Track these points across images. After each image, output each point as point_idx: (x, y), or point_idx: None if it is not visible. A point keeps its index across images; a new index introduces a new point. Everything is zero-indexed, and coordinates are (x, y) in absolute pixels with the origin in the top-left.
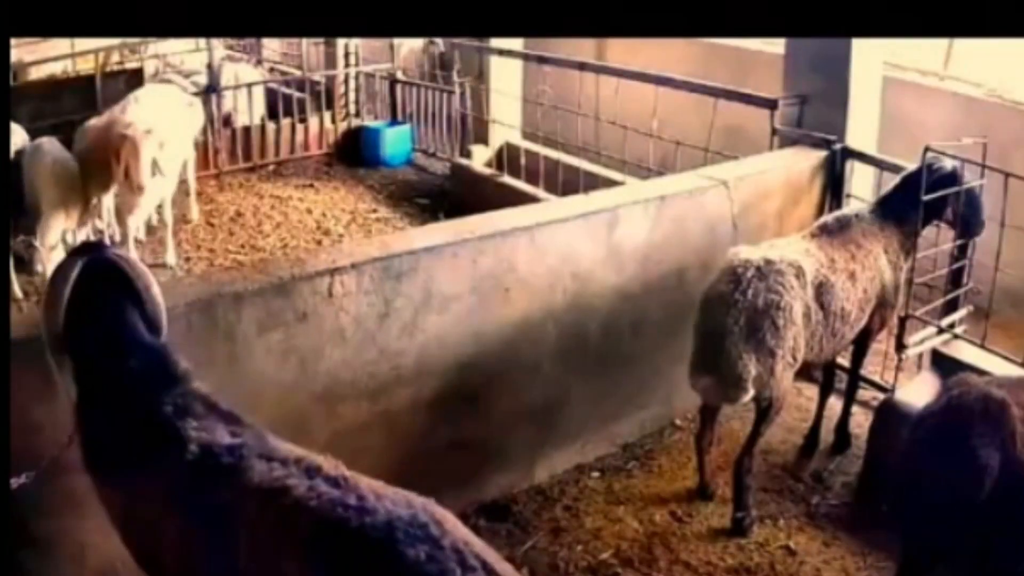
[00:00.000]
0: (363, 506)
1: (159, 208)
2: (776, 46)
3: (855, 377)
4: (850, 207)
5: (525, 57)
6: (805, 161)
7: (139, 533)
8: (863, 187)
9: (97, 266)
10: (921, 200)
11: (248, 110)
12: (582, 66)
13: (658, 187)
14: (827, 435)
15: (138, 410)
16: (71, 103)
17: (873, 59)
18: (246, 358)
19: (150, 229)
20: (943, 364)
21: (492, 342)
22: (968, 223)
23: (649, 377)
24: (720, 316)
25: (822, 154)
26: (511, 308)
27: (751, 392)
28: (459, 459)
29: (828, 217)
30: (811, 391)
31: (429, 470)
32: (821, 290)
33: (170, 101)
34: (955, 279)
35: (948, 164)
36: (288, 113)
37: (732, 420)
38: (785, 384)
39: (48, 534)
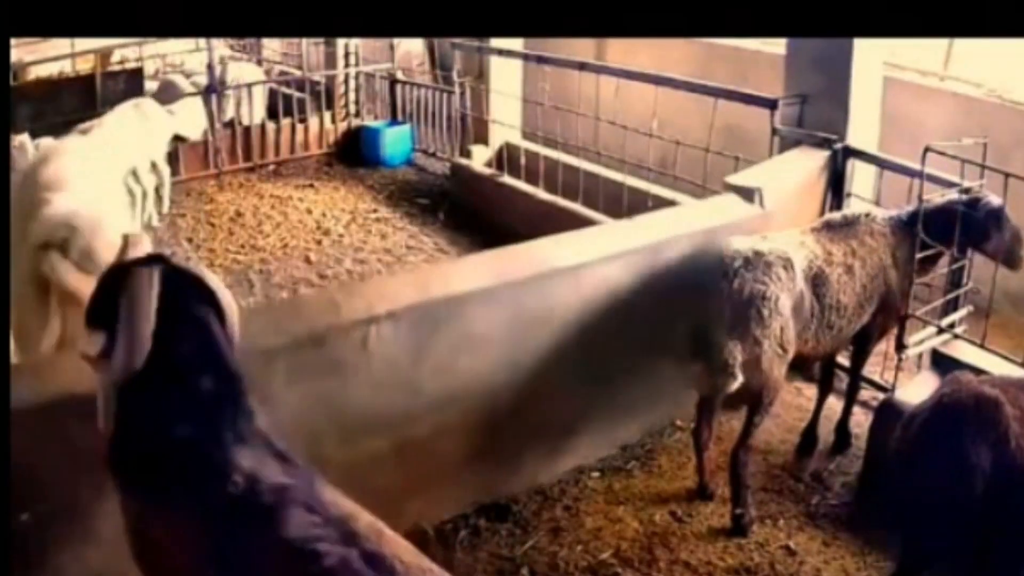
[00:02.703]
0: None
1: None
2: (776, 46)
3: (856, 377)
4: (863, 207)
5: (525, 57)
6: (813, 162)
7: (153, 549)
8: (864, 187)
9: (178, 278)
10: (946, 230)
11: (249, 110)
12: (582, 66)
13: (703, 215)
14: (827, 435)
15: (197, 428)
16: (71, 103)
17: (873, 59)
18: (275, 407)
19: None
20: (943, 364)
21: (521, 372)
22: (1011, 258)
23: (653, 381)
24: (707, 304)
25: (826, 154)
26: (544, 342)
27: (739, 379)
28: (465, 466)
29: (835, 214)
30: (811, 391)
31: (433, 477)
32: (816, 281)
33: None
34: (955, 279)
35: (995, 201)
36: (288, 113)
37: (732, 420)
38: (776, 374)
39: (53, 564)
